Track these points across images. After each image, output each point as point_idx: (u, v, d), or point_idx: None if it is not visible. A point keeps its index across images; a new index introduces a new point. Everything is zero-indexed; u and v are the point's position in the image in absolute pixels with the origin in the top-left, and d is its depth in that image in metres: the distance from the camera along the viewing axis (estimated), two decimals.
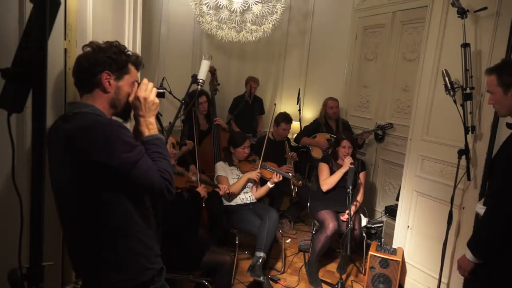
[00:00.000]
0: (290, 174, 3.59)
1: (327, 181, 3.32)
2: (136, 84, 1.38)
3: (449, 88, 2.43)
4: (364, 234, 3.35)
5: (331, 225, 3.07)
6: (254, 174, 3.24)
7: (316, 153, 4.27)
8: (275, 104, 4.06)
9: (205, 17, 3.95)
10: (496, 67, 1.79)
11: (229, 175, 3.28)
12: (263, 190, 3.34)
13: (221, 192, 3.00)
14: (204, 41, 4.71)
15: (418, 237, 2.96)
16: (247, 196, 3.30)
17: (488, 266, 1.76)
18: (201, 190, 2.73)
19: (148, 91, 1.37)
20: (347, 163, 3.23)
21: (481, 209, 1.84)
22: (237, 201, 3.25)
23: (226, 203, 3.21)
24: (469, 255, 1.78)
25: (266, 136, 3.52)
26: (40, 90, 0.92)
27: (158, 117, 1.47)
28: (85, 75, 1.29)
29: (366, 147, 4.45)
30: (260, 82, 4.70)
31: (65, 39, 1.60)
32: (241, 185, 3.22)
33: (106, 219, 1.25)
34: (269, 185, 3.32)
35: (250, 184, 3.33)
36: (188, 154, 3.58)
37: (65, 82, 1.63)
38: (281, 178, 3.32)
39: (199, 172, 2.94)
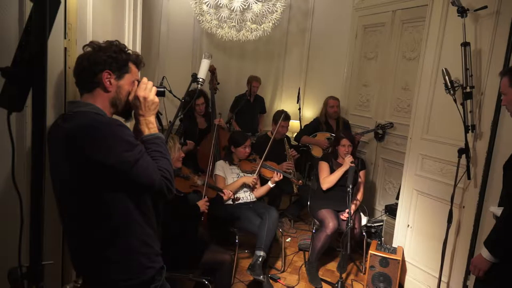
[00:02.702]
0: (291, 172, 3.59)
1: (327, 179, 3.32)
2: (136, 83, 1.38)
3: (449, 87, 2.43)
4: (364, 233, 3.35)
5: (331, 224, 3.07)
6: (250, 180, 3.24)
7: (317, 152, 4.27)
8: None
9: (205, 16, 3.95)
10: (508, 70, 1.87)
11: (229, 174, 3.28)
12: (263, 190, 3.34)
13: (225, 197, 3.00)
14: (204, 40, 4.71)
15: (418, 236, 2.96)
16: (247, 195, 3.30)
17: (503, 266, 1.75)
18: (202, 205, 2.63)
19: (147, 90, 1.36)
20: (347, 162, 3.23)
21: (497, 210, 1.84)
22: None
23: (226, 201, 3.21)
24: (485, 254, 1.76)
25: (271, 139, 3.52)
26: (40, 89, 0.92)
27: (158, 116, 1.47)
28: (86, 74, 1.29)
29: (366, 146, 4.45)
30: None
31: (65, 38, 1.59)
32: (236, 188, 3.21)
33: (106, 218, 1.25)
34: (270, 184, 3.32)
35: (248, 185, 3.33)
36: (188, 154, 3.58)
37: (65, 81, 1.62)
38: (281, 177, 3.31)
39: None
